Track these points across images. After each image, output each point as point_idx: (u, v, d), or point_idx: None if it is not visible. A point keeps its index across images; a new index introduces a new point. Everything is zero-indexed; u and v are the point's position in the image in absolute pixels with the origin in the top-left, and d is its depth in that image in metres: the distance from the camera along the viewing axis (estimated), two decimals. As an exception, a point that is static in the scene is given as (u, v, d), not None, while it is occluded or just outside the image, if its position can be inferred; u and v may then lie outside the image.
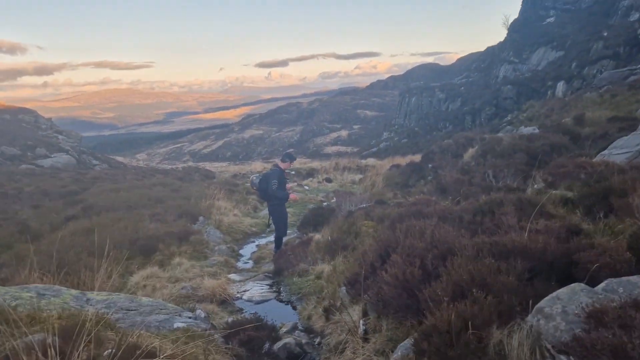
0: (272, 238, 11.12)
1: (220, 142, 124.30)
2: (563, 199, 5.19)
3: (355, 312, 3.93)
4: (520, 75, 71.05)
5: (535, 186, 6.88)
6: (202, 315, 4.87)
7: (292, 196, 9.30)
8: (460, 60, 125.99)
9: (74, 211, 12.49)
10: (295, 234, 10.35)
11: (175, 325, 3.87)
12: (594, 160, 7.10)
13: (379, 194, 10.87)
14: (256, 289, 6.28)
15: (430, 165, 13.50)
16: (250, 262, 9.27)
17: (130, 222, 10.39)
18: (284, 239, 9.32)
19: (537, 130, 11.10)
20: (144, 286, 6.66)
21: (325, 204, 15.69)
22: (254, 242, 11.04)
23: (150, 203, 13.16)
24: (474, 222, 4.20)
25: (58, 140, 54.46)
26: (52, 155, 43.18)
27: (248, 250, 10.30)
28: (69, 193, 16.43)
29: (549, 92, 55.53)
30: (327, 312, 4.47)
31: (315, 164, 31.28)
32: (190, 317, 4.22)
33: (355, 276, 4.16)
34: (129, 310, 3.96)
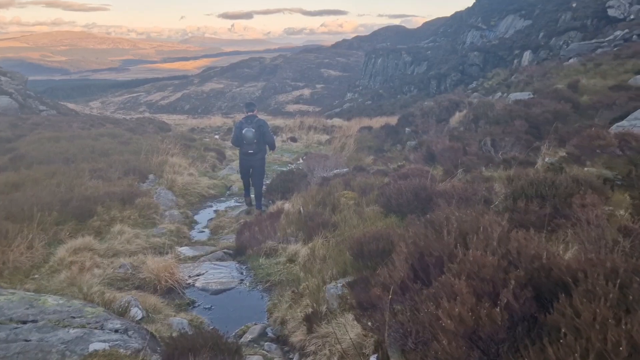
0: (231, 203, 9.85)
1: (178, 94, 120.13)
2: (601, 179, 4.13)
3: (353, 331, 2.79)
4: (488, 42, 70.68)
5: (547, 159, 5.84)
6: (139, 315, 3.63)
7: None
8: (426, 24, 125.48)
9: (1, 161, 10.71)
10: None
11: (91, 348, 2.63)
12: (611, 131, 6.12)
13: (356, 159, 9.70)
14: (213, 273, 5.04)
15: (408, 129, 12.39)
16: (207, 231, 7.98)
17: (65, 178, 8.82)
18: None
19: (532, 96, 10.13)
20: (71, 263, 5.30)
21: (292, 166, 14.46)
22: (211, 206, 9.68)
23: (93, 156, 11.50)
24: (520, 209, 3.10)
25: (0, 82, 50.35)
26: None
27: (204, 216, 8.96)
28: (1, 140, 14.42)
29: (515, 61, 55.37)
30: (310, 322, 3.33)
31: (279, 121, 29.74)
32: (117, 329, 2.97)
33: (358, 282, 3.00)
34: (23, 322, 2.67)
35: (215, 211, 9.07)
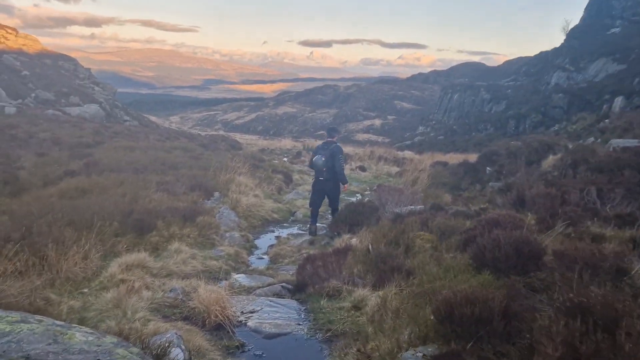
0: (294, 230, 9.37)
1: (253, 115, 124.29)
2: None
3: None
4: (575, 84, 67.38)
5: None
6: (180, 357, 3.11)
7: (344, 186, 9.00)
8: (508, 62, 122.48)
9: (76, 166, 10.92)
10: (324, 232, 8.46)
11: (111, 409, 2.15)
12: None
13: (433, 196, 8.90)
14: (268, 312, 4.48)
15: (489, 169, 11.43)
16: (266, 258, 7.49)
17: (131, 188, 8.72)
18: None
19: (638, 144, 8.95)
20: (121, 282, 4.94)
21: (358, 196, 13.85)
22: (273, 231, 9.23)
23: (163, 168, 11.51)
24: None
25: (93, 91, 54.07)
26: (82, 105, 42.39)
27: (265, 241, 8.51)
28: (81, 145, 14.95)
29: (604, 106, 52.09)
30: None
31: (349, 149, 29.36)
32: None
33: (446, 356, 2.32)
34: (39, 363, 2.23)
35: (277, 237, 8.60)
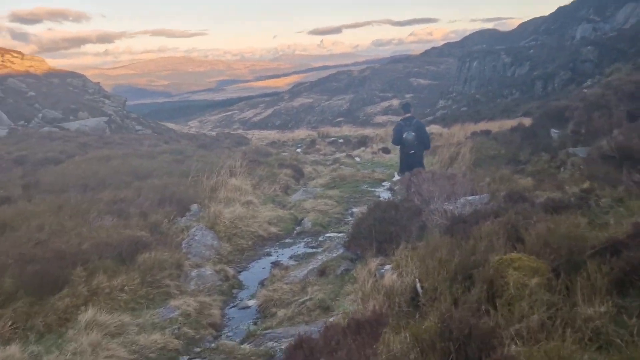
0: (300, 248, 6.62)
1: (270, 111, 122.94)
2: None
3: None
4: (603, 35, 62.77)
5: None
6: None
7: None
8: (523, 24, 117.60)
9: (14, 190, 8.38)
10: (340, 252, 5.43)
11: None
12: None
13: (505, 180, 5.92)
14: None
15: (555, 132, 8.43)
16: (253, 306, 4.76)
17: (64, 215, 6.08)
18: None
19: None
20: None
21: (385, 186, 11.01)
22: (269, 255, 6.43)
23: (127, 180, 8.88)
24: None
25: (103, 104, 52.60)
26: (82, 119, 40.68)
27: (255, 274, 5.74)
28: (47, 161, 12.51)
29: (642, 53, 47.72)
30: None
31: (368, 131, 26.42)
32: None
33: None
34: None
35: (274, 264, 5.81)
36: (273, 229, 7.18)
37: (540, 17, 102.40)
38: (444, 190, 5.19)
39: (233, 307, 4.84)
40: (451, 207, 4.76)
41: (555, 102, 9.87)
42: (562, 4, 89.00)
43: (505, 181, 5.74)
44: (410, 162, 9.37)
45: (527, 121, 14.55)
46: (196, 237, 6.16)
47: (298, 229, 7.39)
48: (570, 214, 3.81)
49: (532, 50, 75.78)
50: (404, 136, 9.25)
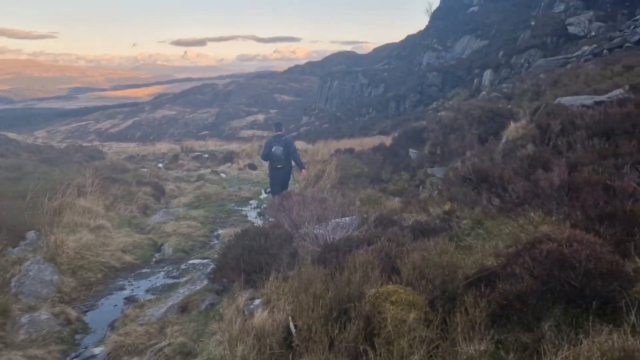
0: (159, 280, 6.01)
1: (129, 122, 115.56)
2: None
3: None
4: (445, 62, 70.02)
5: None
6: None
7: (303, 172, 10.30)
8: (377, 49, 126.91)
9: None
10: (205, 283, 4.93)
11: None
12: None
13: (370, 200, 5.96)
14: None
15: (413, 152, 8.89)
16: (100, 354, 4.10)
17: None
18: None
19: (604, 100, 6.83)
20: None
21: (253, 205, 10.73)
22: (123, 289, 5.70)
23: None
24: None
25: None
26: None
27: (104, 314, 5.03)
28: None
29: (475, 80, 54.31)
30: None
31: (234, 146, 25.97)
32: None
33: None
34: None
35: (127, 301, 5.12)
36: (128, 258, 6.42)
37: (393, 44, 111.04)
38: (315, 213, 5.04)
39: (75, 358, 4.10)
40: (322, 232, 4.61)
41: (413, 123, 10.48)
42: (410, 33, 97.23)
43: (373, 202, 5.80)
44: (278, 176, 9.80)
45: (383, 139, 15.37)
46: (31, 273, 5.21)
47: (157, 255, 6.70)
48: (438, 237, 3.86)
49: (386, 73, 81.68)
50: (272, 150, 9.66)
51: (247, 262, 4.38)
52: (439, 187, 6.33)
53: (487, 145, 6.67)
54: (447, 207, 5.07)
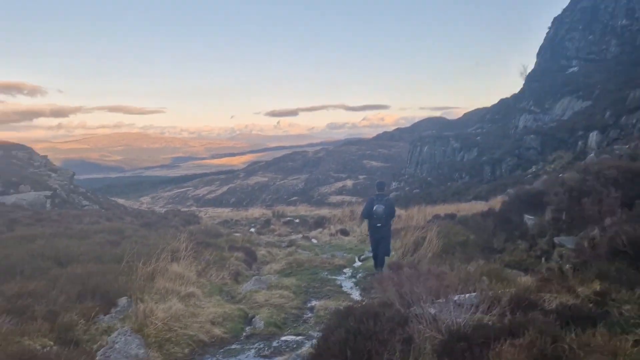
0: (249, 359, 5.34)
1: (224, 188, 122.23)
2: None
3: None
4: (543, 125, 66.87)
5: None
6: None
7: None
8: (467, 114, 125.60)
9: None
10: None
11: None
12: None
13: (492, 273, 5.00)
14: None
15: (530, 218, 7.81)
16: None
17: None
18: None
19: None
20: None
21: (348, 273, 10.03)
22: None
23: (45, 266, 7.48)
24: None
25: (49, 178, 50.25)
26: (23, 192, 38.18)
27: None
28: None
29: (579, 143, 50.84)
30: None
31: (324, 211, 25.64)
32: None
33: None
34: None
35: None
36: (217, 331, 5.91)
37: (484, 108, 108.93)
38: (428, 288, 4.25)
39: None
40: (440, 312, 3.79)
41: (528, 187, 9.41)
42: (503, 97, 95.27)
43: (496, 276, 4.86)
44: (377, 236, 9.84)
45: (481, 204, 14.11)
46: (117, 346, 4.85)
47: (248, 329, 6.13)
48: (596, 328, 2.90)
49: (479, 137, 79.46)
50: (374, 208, 9.73)
51: (353, 349, 3.62)
52: (571, 260, 5.24)
53: (634, 210, 5.52)
54: (596, 286, 4.04)
